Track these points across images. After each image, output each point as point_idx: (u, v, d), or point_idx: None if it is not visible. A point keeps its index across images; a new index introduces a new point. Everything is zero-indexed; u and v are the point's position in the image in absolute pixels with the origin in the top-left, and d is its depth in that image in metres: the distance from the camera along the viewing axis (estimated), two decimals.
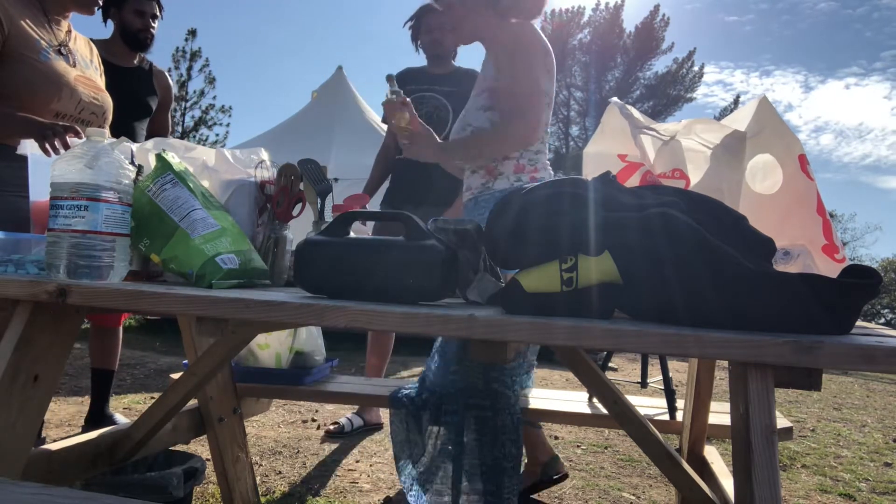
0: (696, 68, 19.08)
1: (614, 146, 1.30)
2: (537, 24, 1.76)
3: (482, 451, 1.50)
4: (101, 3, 1.90)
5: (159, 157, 1.14)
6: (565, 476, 2.02)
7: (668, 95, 18.89)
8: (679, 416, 1.77)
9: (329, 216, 1.40)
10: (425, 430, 1.61)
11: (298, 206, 1.38)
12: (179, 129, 15.22)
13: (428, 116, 2.81)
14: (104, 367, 2.47)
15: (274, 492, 2.07)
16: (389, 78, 1.79)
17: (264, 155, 1.42)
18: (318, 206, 1.39)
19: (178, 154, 1.25)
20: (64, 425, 2.70)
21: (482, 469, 1.49)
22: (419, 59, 2.98)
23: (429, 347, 1.76)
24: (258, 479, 2.11)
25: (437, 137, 1.77)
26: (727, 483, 1.44)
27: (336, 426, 2.82)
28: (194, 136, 15.42)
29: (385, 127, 3.11)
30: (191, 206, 1.08)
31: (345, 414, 2.98)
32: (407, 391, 1.73)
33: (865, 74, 45.21)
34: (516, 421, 1.56)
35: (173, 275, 1.10)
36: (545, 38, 1.70)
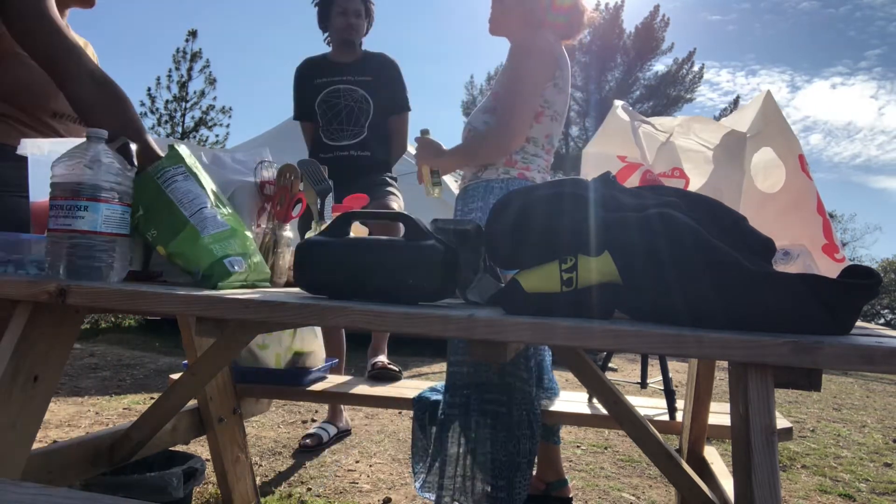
0: (695, 69, 19.10)
1: (614, 146, 1.30)
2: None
3: (495, 446, 1.49)
4: None
5: (171, 148, 1.11)
6: (569, 501, 1.98)
7: (667, 96, 18.87)
8: (679, 416, 1.77)
9: (329, 216, 1.40)
10: (430, 428, 1.62)
11: (298, 206, 1.38)
12: (179, 129, 15.21)
13: (349, 111, 2.61)
14: None
15: (274, 492, 2.07)
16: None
17: (267, 155, 1.42)
18: (318, 206, 1.39)
19: None
20: (64, 425, 2.70)
21: (495, 464, 1.49)
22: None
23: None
24: (258, 479, 2.11)
25: (441, 145, 1.77)
26: (727, 483, 1.44)
27: (313, 438, 2.59)
28: (194, 137, 15.39)
29: None
30: (202, 202, 1.07)
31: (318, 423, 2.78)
32: (430, 393, 1.74)
33: (851, 74, 45.16)
34: (533, 417, 1.55)
35: (175, 267, 1.08)
36: (563, 52, 1.68)
